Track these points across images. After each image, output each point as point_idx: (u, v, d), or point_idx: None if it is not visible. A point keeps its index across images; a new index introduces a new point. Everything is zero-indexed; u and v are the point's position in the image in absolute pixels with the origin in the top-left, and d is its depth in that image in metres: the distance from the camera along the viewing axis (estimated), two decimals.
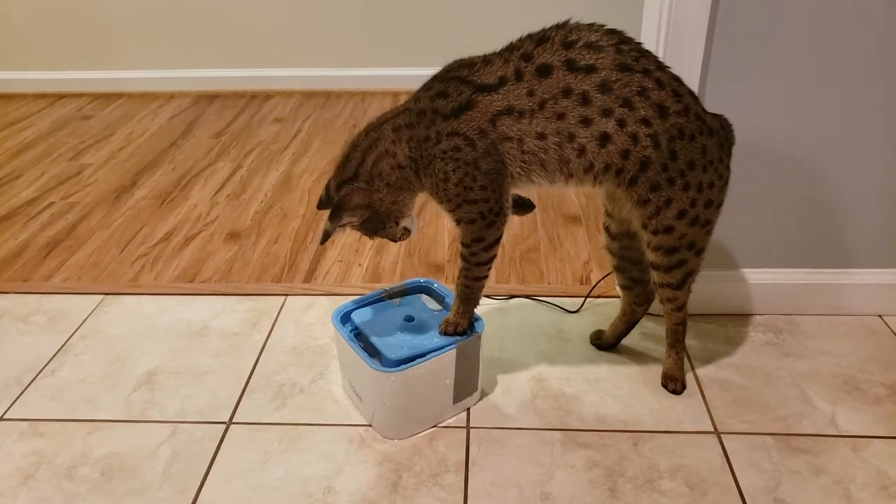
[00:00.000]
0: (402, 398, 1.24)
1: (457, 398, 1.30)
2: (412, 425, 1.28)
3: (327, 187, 1.20)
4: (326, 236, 1.18)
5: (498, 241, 1.20)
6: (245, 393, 1.41)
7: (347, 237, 1.98)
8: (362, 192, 1.15)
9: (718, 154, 1.15)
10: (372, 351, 1.25)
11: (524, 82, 1.06)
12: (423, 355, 1.21)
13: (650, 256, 1.20)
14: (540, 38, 1.08)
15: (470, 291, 1.25)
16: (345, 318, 1.33)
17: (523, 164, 1.11)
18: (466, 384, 1.30)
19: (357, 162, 1.15)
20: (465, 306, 1.26)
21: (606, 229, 1.32)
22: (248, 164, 2.46)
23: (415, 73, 3.05)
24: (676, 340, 1.33)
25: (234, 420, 1.35)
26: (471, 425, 1.31)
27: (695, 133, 1.11)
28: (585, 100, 1.06)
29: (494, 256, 1.22)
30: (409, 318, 1.30)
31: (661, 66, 1.11)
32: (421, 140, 1.10)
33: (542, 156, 1.09)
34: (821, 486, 1.16)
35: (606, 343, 1.47)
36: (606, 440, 1.27)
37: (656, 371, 1.39)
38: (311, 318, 1.63)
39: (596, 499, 1.16)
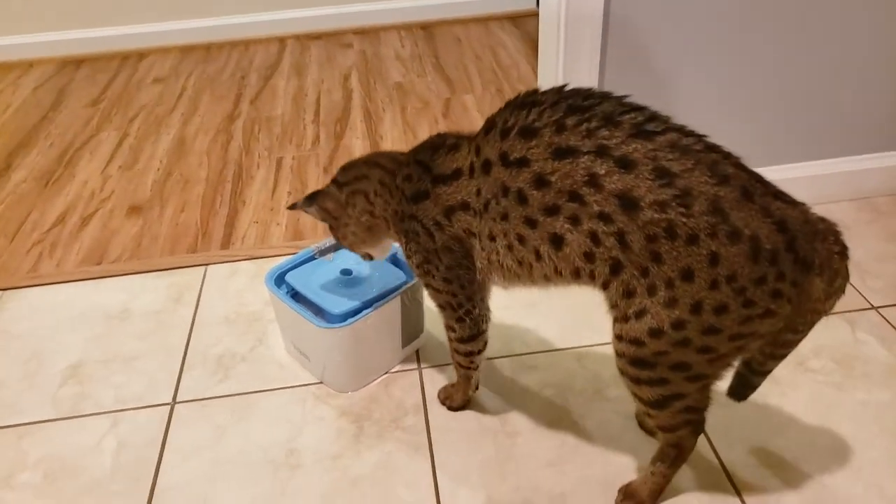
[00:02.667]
0: (353, 351, 1.23)
1: (405, 342, 1.31)
2: (365, 376, 1.28)
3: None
4: (293, 207, 1.20)
5: (473, 338, 1.10)
6: (183, 371, 1.36)
7: (261, 194, 1.90)
8: (337, 204, 1.13)
9: (752, 272, 0.80)
10: (314, 309, 1.23)
11: (474, 179, 0.94)
12: (367, 306, 1.21)
13: (617, 362, 0.94)
14: (488, 127, 0.94)
15: (458, 374, 1.20)
16: (279, 280, 1.30)
17: (486, 263, 0.99)
18: (414, 327, 1.31)
19: (352, 178, 1.13)
20: (459, 386, 1.22)
21: None
22: (134, 132, 2.29)
23: (301, 16, 2.95)
24: (662, 459, 1.02)
25: (177, 399, 1.30)
26: (422, 366, 1.32)
27: (696, 233, 0.80)
28: (522, 198, 0.89)
29: (473, 352, 1.13)
30: (347, 272, 1.29)
31: (645, 134, 0.82)
32: (395, 212, 1.07)
33: (496, 257, 0.96)
34: None
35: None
36: (552, 359, 1.32)
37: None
38: (238, 285, 1.58)
39: (553, 416, 1.21)
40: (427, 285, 1.09)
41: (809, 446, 1.12)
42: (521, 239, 0.92)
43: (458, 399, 1.23)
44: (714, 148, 0.83)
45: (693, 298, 0.82)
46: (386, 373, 1.31)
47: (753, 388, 1.01)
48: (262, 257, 1.66)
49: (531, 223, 0.89)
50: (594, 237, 0.85)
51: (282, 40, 2.93)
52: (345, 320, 1.19)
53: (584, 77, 1.46)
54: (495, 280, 1.02)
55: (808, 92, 1.55)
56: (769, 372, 0.98)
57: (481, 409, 1.23)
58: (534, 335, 1.37)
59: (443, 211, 0.99)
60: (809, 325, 0.90)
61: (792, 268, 0.81)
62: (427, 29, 2.94)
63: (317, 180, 1.95)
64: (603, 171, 0.82)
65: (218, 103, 2.45)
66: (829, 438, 1.13)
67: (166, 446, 1.21)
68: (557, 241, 0.88)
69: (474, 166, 0.94)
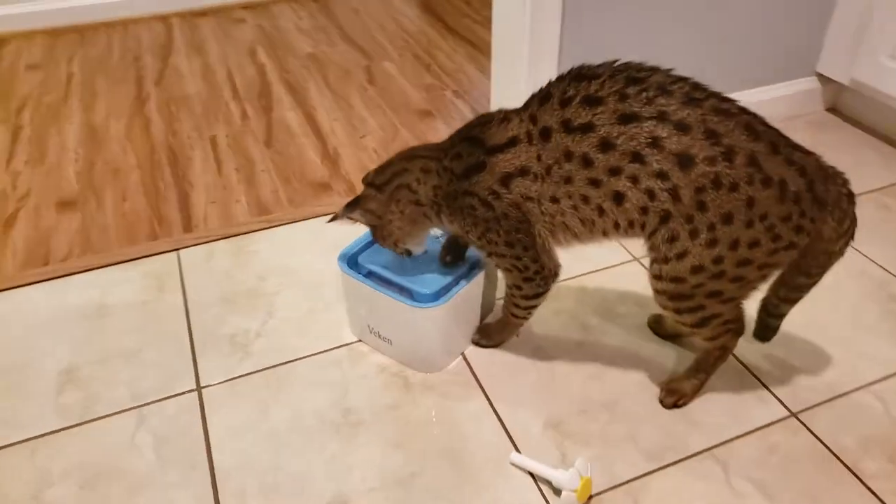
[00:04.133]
0: (445, 330, 1.23)
1: (482, 317, 1.33)
2: (452, 354, 1.29)
3: (369, 172, 1.19)
4: (335, 218, 1.19)
5: (539, 296, 1.16)
6: (197, 356, 1.30)
7: (207, 174, 1.82)
8: (380, 203, 1.15)
9: (781, 210, 0.94)
10: (397, 290, 1.21)
11: (533, 145, 1.00)
12: (455, 283, 1.21)
13: (657, 298, 1.07)
14: (543, 96, 1.00)
15: (507, 321, 1.26)
16: (351, 261, 1.27)
17: (546, 225, 1.06)
18: (488, 301, 1.34)
19: (390, 176, 1.15)
20: (503, 330, 1.28)
21: None
22: (28, 123, 2.07)
23: None
24: (702, 367, 1.17)
25: (202, 385, 1.25)
26: None
27: (737, 182, 0.92)
28: (587, 161, 0.97)
29: (534, 306, 1.20)
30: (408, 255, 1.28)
31: (695, 101, 0.93)
32: (448, 193, 1.10)
33: (561, 218, 1.03)
34: None
35: (663, 331, 1.31)
36: (556, 291, 1.41)
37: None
38: (223, 265, 1.51)
39: (577, 337, 1.31)
40: (491, 254, 1.12)
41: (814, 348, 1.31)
42: (586, 199, 0.99)
43: (497, 339, 1.29)
44: (745, 110, 0.95)
45: (731, 237, 0.94)
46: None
47: (774, 330, 1.17)
48: (235, 235, 1.60)
49: (595, 183, 0.97)
50: (650, 193, 0.95)
51: (164, 19, 2.75)
52: (437, 299, 1.18)
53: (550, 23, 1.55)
54: (557, 240, 1.08)
55: (725, 32, 1.75)
56: (785, 315, 1.14)
57: (509, 344, 1.30)
58: None
59: (500, 179, 1.03)
60: (822, 269, 1.05)
61: (811, 206, 0.95)
62: (320, 1, 2.89)
63: (261, 155, 1.89)
64: (665, 134, 0.92)
65: (118, 87, 2.27)
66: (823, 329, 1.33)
67: (210, 430, 1.16)
68: (619, 198, 0.97)
69: (532, 133, 1.00)
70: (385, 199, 1.15)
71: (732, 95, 0.96)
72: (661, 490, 1.06)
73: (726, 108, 0.93)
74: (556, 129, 0.98)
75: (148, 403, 1.21)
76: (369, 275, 1.24)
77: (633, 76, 0.95)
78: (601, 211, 1.00)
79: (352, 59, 2.40)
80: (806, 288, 1.08)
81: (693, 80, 0.95)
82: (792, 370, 1.24)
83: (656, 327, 1.32)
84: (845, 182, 0.99)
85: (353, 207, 1.18)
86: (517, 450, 1.12)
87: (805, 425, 1.14)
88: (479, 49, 2.45)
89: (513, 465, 1.10)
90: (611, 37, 1.62)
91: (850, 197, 1.00)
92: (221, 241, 1.58)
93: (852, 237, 1.03)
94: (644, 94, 0.93)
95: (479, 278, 1.23)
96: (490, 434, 1.15)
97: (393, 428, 1.16)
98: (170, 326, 1.37)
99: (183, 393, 1.23)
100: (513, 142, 1.02)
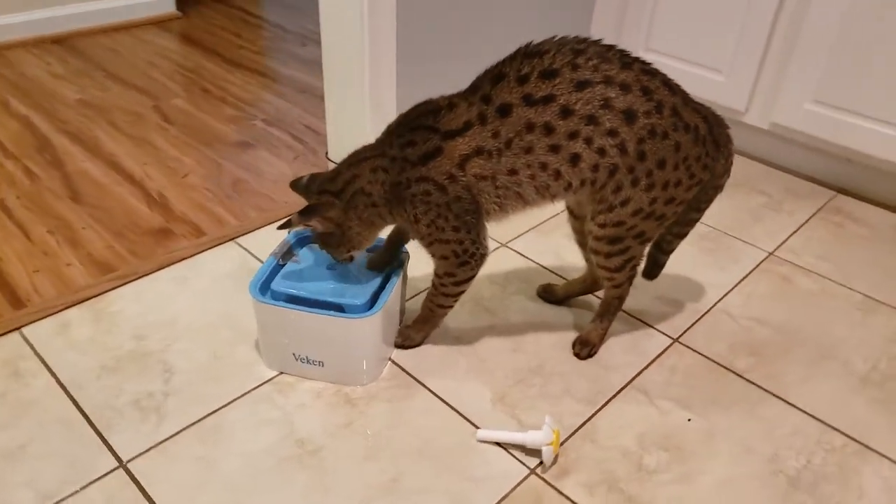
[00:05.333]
0: (379, 338, 1.24)
1: (401, 320, 1.35)
2: (383, 363, 1.29)
3: (313, 177, 1.20)
4: (288, 225, 1.16)
5: (470, 279, 1.22)
6: (104, 432, 1.14)
7: (14, 243, 1.56)
8: (339, 211, 1.16)
9: (696, 151, 1.11)
10: (323, 308, 1.19)
11: (488, 125, 1.07)
12: (380, 290, 1.23)
13: (592, 243, 1.20)
14: (496, 77, 1.07)
15: (432, 315, 1.31)
16: (263, 291, 1.21)
17: (498, 200, 1.13)
18: (403, 303, 1.36)
19: (343, 184, 1.16)
20: (425, 326, 1.32)
21: (568, 209, 1.33)
22: None
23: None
24: (608, 312, 1.33)
25: (125, 460, 1.10)
26: None
27: (667, 130, 1.07)
28: (549, 129, 1.06)
29: (463, 292, 1.25)
30: (331, 266, 1.26)
31: (627, 64, 1.06)
32: (394, 184, 1.13)
33: (517, 189, 1.11)
34: None
35: (554, 297, 1.46)
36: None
37: None
38: (85, 334, 1.33)
39: (486, 320, 1.41)
40: (434, 242, 1.16)
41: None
42: (544, 166, 1.09)
43: (419, 338, 1.33)
44: (658, 70, 1.11)
45: (664, 180, 1.11)
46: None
47: (661, 267, 1.38)
48: (83, 300, 1.41)
49: (555, 149, 1.07)
50: (602, 151, 1.07)
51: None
52: (370, 308, 1.18)
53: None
54: (504, 212, 1.15)
55: None
56: (673, 251, 1.35)
57: (429, 342, 1.35)
58: (421, 270, 1.52)
59: (457, 162, 1.09)
60: (708, 203, 1.27)
61: (712, 147, 1.15)
62: (64, 44, 2.61)
63: (73, 212, 1.68)
64: (613, 95, 1.05)
65: None
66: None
67: (158, 501, 1.04)
68: (575, 160, 1.08)
69: (485, 114, 1.07)
70: (344, 206, 1.15)
71: None
72: (607, 426, 1.20)
73: (649, 69, 1.09)
74: (517, 104, 1.06)
75: (65, 498, 1.04)
76: (290, 300, 1.21)
77: (576, 48, 1.06)
78: (557, 175, 1.09)
79: (135, 101, 2.22)
80: (694, 222, 1.29)
81: (617, 46, 1.10)
82: (660, 306, 1.47)
83: (547, 295, 1.47)
84: (727, 128, 1.19)
85: (310, 215, 1.15)
86: (477, 427, 1.18)
87: (687, 346, 1.38)
88: (271, 78, 2.43)
89: (481, 441, 1.16)
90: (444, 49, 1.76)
91: (731, 138, 1.21)
92: (70, 309, 1.39)
93: (729, 175, 1.25)
94: (591, 62, 1.05)
95: (398, 279, 1.27)
96: (447, 422, 1.19)
97: (354, 443, 1.15)
98: (50, 412, 1.17)
99: (105, 474, 1.08)
100: (468, 125, 1.08)
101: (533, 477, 1.11)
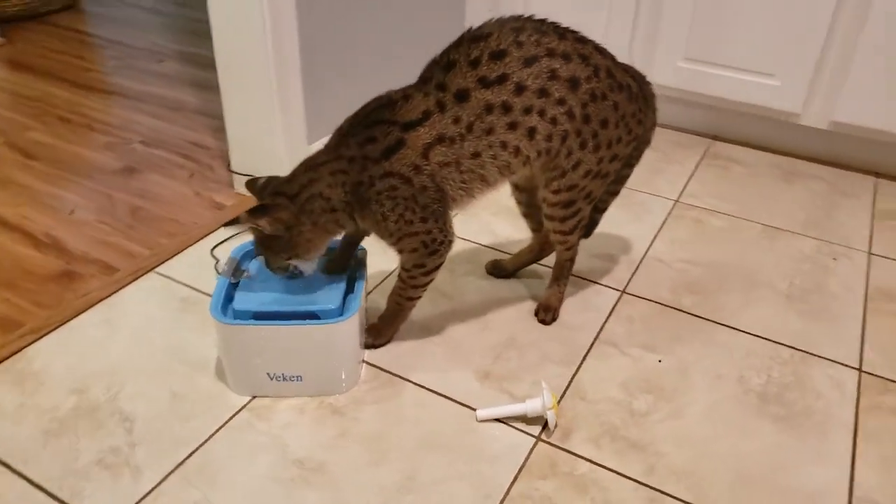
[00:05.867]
0: (356, 341, 1.20)
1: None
2: (360, 365, 1.25)
3: (269, 179, 1.14)
4: (236, 222, 1.06)
5: (439, 267, 1.20)
6: (72, 500, 1.00)
7: None
8: (291, 214, 1.10)
9: (631, 108, 1.17)
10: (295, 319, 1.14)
11: (448, 112, 1.07)
12: (348, 291, 1.19)
13: (548, 210, 1.24)
14: (447, 64, 1.08)
15: (400, 309, 1.28)
16: (224, 311, 1.14)
17: (463, 185, 1.13)
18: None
19: (298, 188, 1.11)
20: (395, 321, 1.30)
21: (513, 185, 1.33)
22: None
23: None
24: (562, 274, 1.37)
25: None
26: None
27: (606, 91, 1.12)
28: (507, 108, 1.08)
29: (432, 280, 1.23)
30: (291, 276, 1.18)
31: (562, 35, 1.10)
32: (355, 184, 1.09)
33: (481, 171, 1.12)
34: None
35: (504, 272, 1.49)
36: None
37: None
38: (11, 401, 1.16)
39: (445, 305, 1.40)
40: (403, 236, 1.13)
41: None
42: (504, 144, 1.10)
43: (388, 335, 1.30)
44: (587, 38, 1.14)
45: (608, 138, 1.16)
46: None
47: (596, 224, 1.43)
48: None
49: (513, 126, 1.09)
50: (554, 120, 1.10)
51: None
52: (344, 312, 1.14)
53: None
54: (470, 196, 1.15)
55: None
56: (607, 209, 1.41)
57: (398, 338, 1.32)
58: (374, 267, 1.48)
59: (421, 151, 1.08)
60: (638, 159, 1.33)
61: (644, 102, 1.21)
62: None
63: None
64: (558, 66, 1.08)
65: None
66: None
67: None
68: (532, 133, 1.10)
69: (443, 101, 1.07)
70: (297, 209, 1.09)
71: None
72: (591, 381, 1.25)
73: (580, 37, 1.13)
74: (474, 87, 1.07)
75: None
76: (257, 316, 1.13)
77: (514, 26, 1.09)
78: (517, 151, 1.11)
79: None
80: (626, 178, 1.35)
81: (548, 19, 1.13)
82: (598, 263, 1.54)
83: (497, 271, 1.49)
84: (650, 83, 1.26)
85: (260, 214, 1.08)
86: (473, 409, 1.18)
87: (634, 295, 1.46)
88: (135, 98, 2.24)
89: (482, 420, 1.16)
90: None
91: (654, 93, 1.26)
92: None
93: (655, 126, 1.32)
94: (532, 38, 1.07)
95: (364, 281, 1.22)
96: (442, 410, 1.18)
97: (356, 451, 1.10)
98: (2, 498, 1.02)
99: None
100: (427, 114, 1.07)
101: (541, 444, 1.13)
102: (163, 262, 1.50)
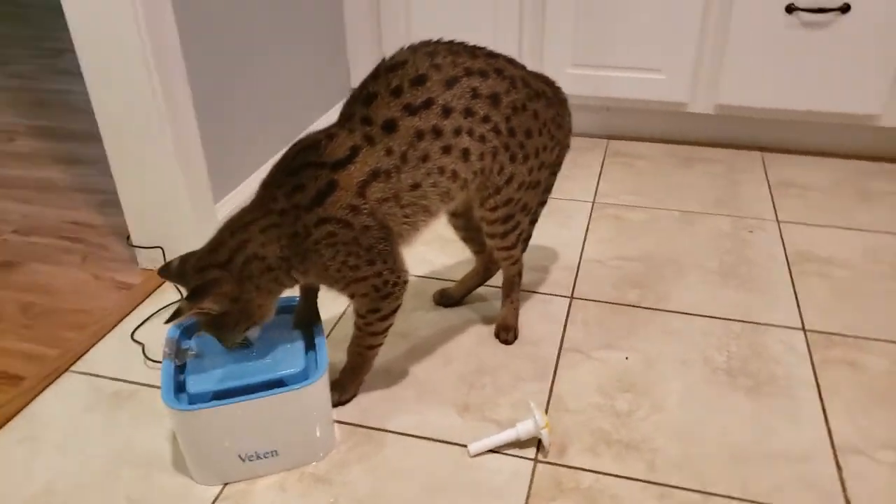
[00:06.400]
0: (328, 401, 1.12)
1: None
2: (332, 427, 1.15)
3: (184, 259, 1.04)
4: (178, 314, 0.98)
5: (396, 310, 1.14)
6: None
7: None
8: (233, 285, 1.01)
9: (550, 114, 1.18)
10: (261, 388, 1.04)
11: (378, 144, 1.02)
12: (309, 349, 1.12)
13: (488, 229, 1.21)
14: (367, 97, 1.04)
15: (363, 360, 1.21)
16: (179, 395, 1.02)
17: (407, 219, 1.07)
18: None
19: (228, 254, 1.02)
20: (359, 373, 1.22)
21: (449, 211, 1.27)
22: None
23: None
24: (513, 290, 1.35)
25: None
26: None
27: (525, 102, 1.12)
28: (438, 132, 1.04)
29: (391, 325, 1.16)
30: (245, 346, 1.08)
31: (473, 53, 1.09)
32: (291, 237, 1.02)
33: (423, 202, 1.07)
34: None
35: (452, 300, 1.45)
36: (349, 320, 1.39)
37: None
38: None
39: (407, 345, 1.34)
40: (350, 283, 1.07)
41: None
42: (442, 170, 1.06)
43: (353, 388, 1.22)
44: (496, 52, 1.13)
45: (534, 147, 1.15)
46: None
47: (530, 238, 1.40)
48: None
49: (447, 150, 1.06)
50: (482, 138, 1.08)
51: None
52: (310, 374, 1.05)
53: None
54: (416, 230, 1.10)
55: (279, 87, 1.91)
56: (538, 220, 1.39)
57: (364, 391, 1.24)
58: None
59: (356, 190, 1.02)
60: (559, 166, 1.32)
61: (560, 107, 1.22)
62: None
63: None
64: (477, 84, 1.06)
65: None
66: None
67: None
68: (466, 155, 1.07)
69: (370, 135, 1.02)
70: (236, 277, 1.00)
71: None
72: (568, 391, 1.23)
73: (490, 52, 1.12)
74: (401, 116, 1.02)
75: None
76: (217, 396, 1.02)
77: (427, 50, 1.06)
78: (454, 175, 1.08)
79: None
80: (551, 187, 1.35)
81: (456, 39, 1.11)
82: (538, 274, 1.54)
83: (445, 300, 1.45)
84: (559, 87, 1.26)
85: (201, 295, 0.98)
86: (463, 446, 1.12)
87: (582, 298, 1.47)
88: None
89: (477, 455, 1.10)
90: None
91: (566, 97, 1.27)
92: None
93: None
94: (447, 59, 1.05)
95: (324, 335, 1.14)
96: (432, 453, 1.11)
97: None
98: None
99: None
100: (355, 150, 1.02)
101: (540, 465, 1.09)
102: (78, 359, 1.33)
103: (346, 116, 1.06)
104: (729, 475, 1.07)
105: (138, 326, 1.40)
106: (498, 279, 1.38)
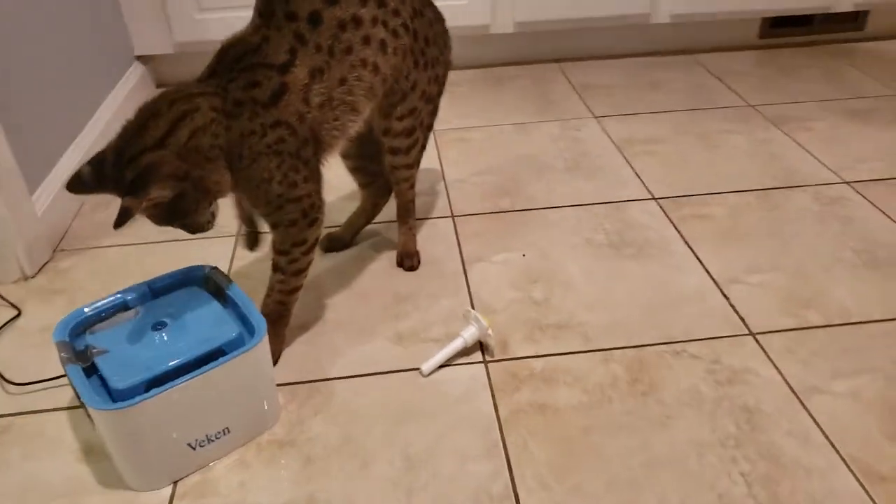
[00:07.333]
0: (272, 367, 1.04)
1: None
2: (275, 390, 1.05)
3: (100, 161, 0.89)
4: (127, 215, 0.84)
5: (316, 242, 1.08)
6: None
7: None
8: (175, 164, 0.89)
9: (438, 27, 1.19)
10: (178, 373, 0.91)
11: (309, 41, 0.98)
12: (236, 313, 1.01)
13: (392, 143, 1.19)
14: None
15: (284, 308, 1.11)
16: (118, 395, 0.88)
17: (337, 122, 1.04)
18: None
19: (163, 131, 0.89)
20: (279, 329, 1.12)
21: None
22: None
23: None
24: (409, 215, 1.34)
25: None
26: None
27: (421, 8, 1.13)
28: (357, 21, 1.01)
29: (311, 261, 1.09)
30: (160, 325, 0.97)
31: None
32: (245, 134, 0.94)
33: (350, 98, 1.04)
34: None
35: (342, 242, 1.40)
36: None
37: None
38: None
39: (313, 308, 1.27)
40: (286, 203, 1.00)
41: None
42: (364, 62, 1.04)
43: (278, 346, 1.13)
44: None
45: (432, 57, 1.17)
46: None
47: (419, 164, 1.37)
48: None
49: (366, 41, 1.03)
50: (395, 32, 1.07)
51: None
52: (253, 333, 0.96)
53: None
54: (346, 134, 1.07)
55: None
56: (426, 145, 1.33)
57: (292, 352, 1.16)
58: None
59: (302, 96, 0.98)
60: (443, 85, 1.28)
61: (442, 24, 1.21)
62: None
63: None
64: None
65: None
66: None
67: None
68: (384, 47, 1.06)
69: (299, 31, 0.98)
70: (179, 152, 0.89)
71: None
72: (487, 295, 1.26)
73: None
74: (322, 7, 0.99)
75: None
76: (151, 385, 0.89)
77: None
78: (376, 69, 1.06)
79: None
80: (437, 111, 1.30)
81: None
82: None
83: (335, 244, 1.40)
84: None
85: (144, 186, 0.86)
86: (414, 370, 1.11)
87: (462, 214, 1.50)
88: None
89: (429, 374, 1.10)
90: None
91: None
92: None
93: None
94: None
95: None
96: (386, 386, 1.08)
97: (336, 466, 0.96)
98: None
99: None
100: (293, 52, 0.98)
101: (491, 365, 1.12)
102: None
103: (266, 14, 0.99)
104: (649, 327, 1.18)
105: None
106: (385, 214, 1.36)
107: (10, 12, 1.38)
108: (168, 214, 0.93)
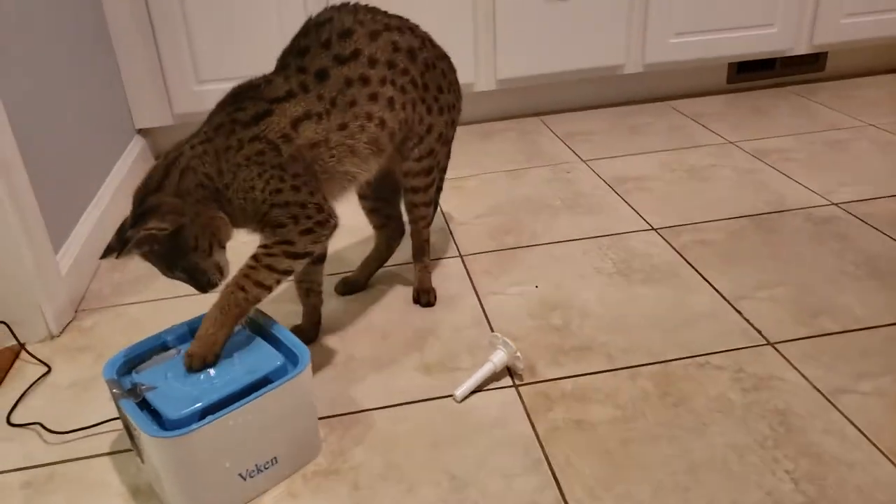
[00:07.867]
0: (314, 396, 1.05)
1: None
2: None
3: (119, 228, 0.99)
4: (124, 244, 0.94)
5: (308, 255, 1.06)
6: None
7: None
8: (172, 202, 0.98)
9: (452, 76, 1.27)
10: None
11: (311, 91, 1.07)
12: (277, 340, 1.03)
13: (411, 182, 1.26)
14: (300, 50, 1.09)
15: (242, 295, 0.99)
16: (172, 424, 0.88)
17: (333, 160, 1.08)
18: None
19: (159, 178, 0.99)
20: (226, 316, 0.98)
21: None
22: None
23: None
24: (425, 253, 1.37)
25: None
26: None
27: (435, 60, 1.21)
28: (365, 80, 1.10)
29: (290, 272, 1.05)
30: (202, 369, 0.98)
31: (388, 15, 1.17)
32: (221, 150, 1.01)
33: (350, 142, 1.09)
34: None
35: (357, 285, 1.43)
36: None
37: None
38: None
39: (333, 342, 1.28)
40: (272, 207, 1.02)
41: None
42: (370, 116, 1.11)
43: (218, 349, 0.97)
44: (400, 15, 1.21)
45: (446, 103, 1.24)
46: None
47: (437, 207, 1.45)
48: None
49: (374, 97, 1.11)
50: (403, 89, 1.15)
51: None
52: (297, 361, 0.98)
53: None
54: (346, 175, 1.11)
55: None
56: (442, 187, 1.45)
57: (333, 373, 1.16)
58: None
59: (290, 122, 1.04)
60: (455, 129, 1.34)
61: (455, 73, 1.29)
62: None
63: None
64: (397, 38, 1.15)
65: None
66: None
67: None
68: (392, 104, 1.14)
69: (305, 83, 1.07)
70: (174, 192, 0.98)
71: None
72: (507, 325, 1.28)
73: (399, 16, 1.20)
74: (331, 65, 1.09)
75: None
76: (204, 415, 0.89)
77: (349, 9, 1.14)
78: (383, 123, 1.13)
79: None
80: (449, 156, 1.39)
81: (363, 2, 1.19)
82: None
83: (350, 287, 1.42)
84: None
85: (144, 220, 0.95)
86: (447, 397, 1.12)
87: (470, 254, 1.54)
88: None
89: (463, 399, 1.11)
90: None
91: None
92: None
93: None
94: (368, 16, 1.14)
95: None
96: (421, 414, 1.09)
97: (382, 492, 0.95)
98: None
99: None
100: (290, 94, 1.06)
101: (522, 388, 1.13)
102: None
103: (281, 66, 1.10)
104: (670, 344, 1.22)
105: (13, 409, 1.14)
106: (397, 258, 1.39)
107: (28, 85, 1.42)
108: (169, 252, 0.97)
